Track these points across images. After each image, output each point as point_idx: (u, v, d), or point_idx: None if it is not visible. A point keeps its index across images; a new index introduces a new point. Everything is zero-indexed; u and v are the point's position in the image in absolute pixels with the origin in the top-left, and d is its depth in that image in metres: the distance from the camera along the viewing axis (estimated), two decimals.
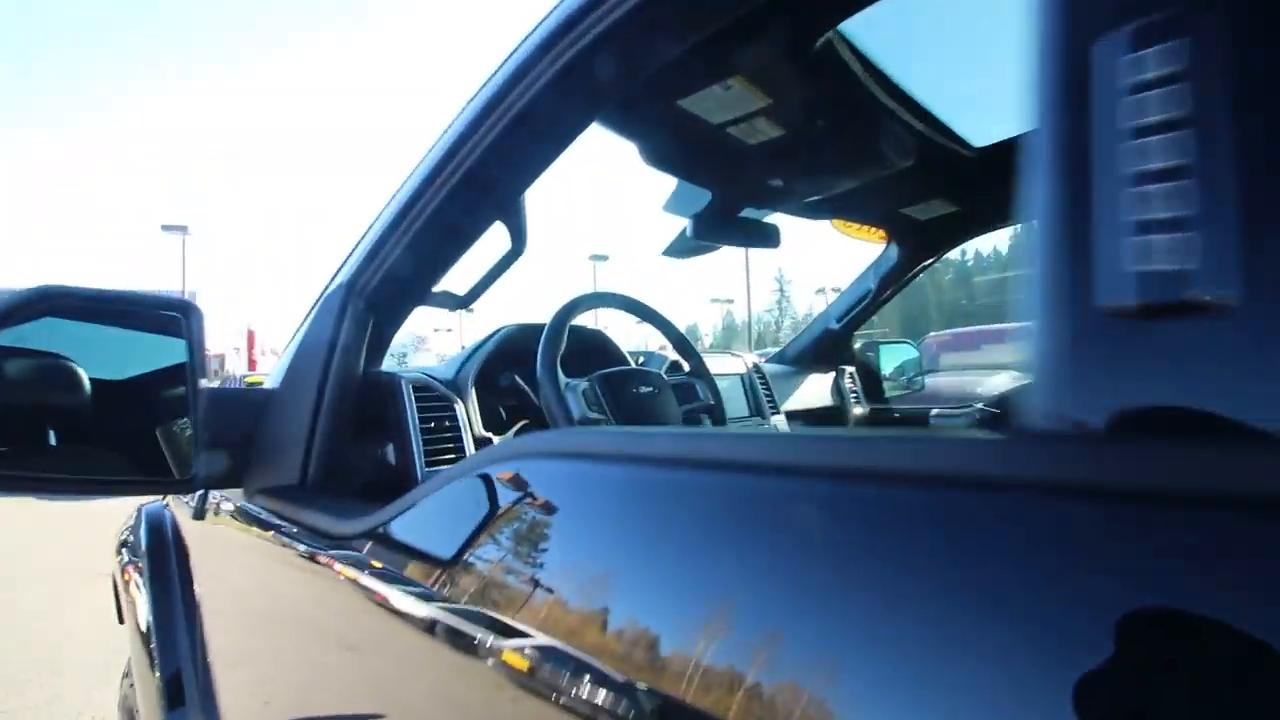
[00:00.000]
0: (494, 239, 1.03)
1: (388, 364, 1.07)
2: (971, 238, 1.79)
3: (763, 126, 1.13)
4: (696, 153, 1.24)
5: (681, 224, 1.60)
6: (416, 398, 1.03)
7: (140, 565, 1.14)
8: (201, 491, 1.02)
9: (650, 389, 1.12)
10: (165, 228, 24.63)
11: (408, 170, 0.93)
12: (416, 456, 0.98)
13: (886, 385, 2.29)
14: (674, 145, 1.20)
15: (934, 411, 2.10)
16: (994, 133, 1.44)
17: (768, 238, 1.56)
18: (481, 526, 0.51)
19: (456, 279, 1.08)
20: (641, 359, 1.48)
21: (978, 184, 1.55)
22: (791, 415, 1.83)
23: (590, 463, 0.48)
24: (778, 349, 2.32)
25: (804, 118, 1.12)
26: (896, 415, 2.17)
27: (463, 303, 1.06)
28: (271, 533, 0.84)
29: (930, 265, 1.97)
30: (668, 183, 1.38)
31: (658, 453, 0.45)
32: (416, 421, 1.00)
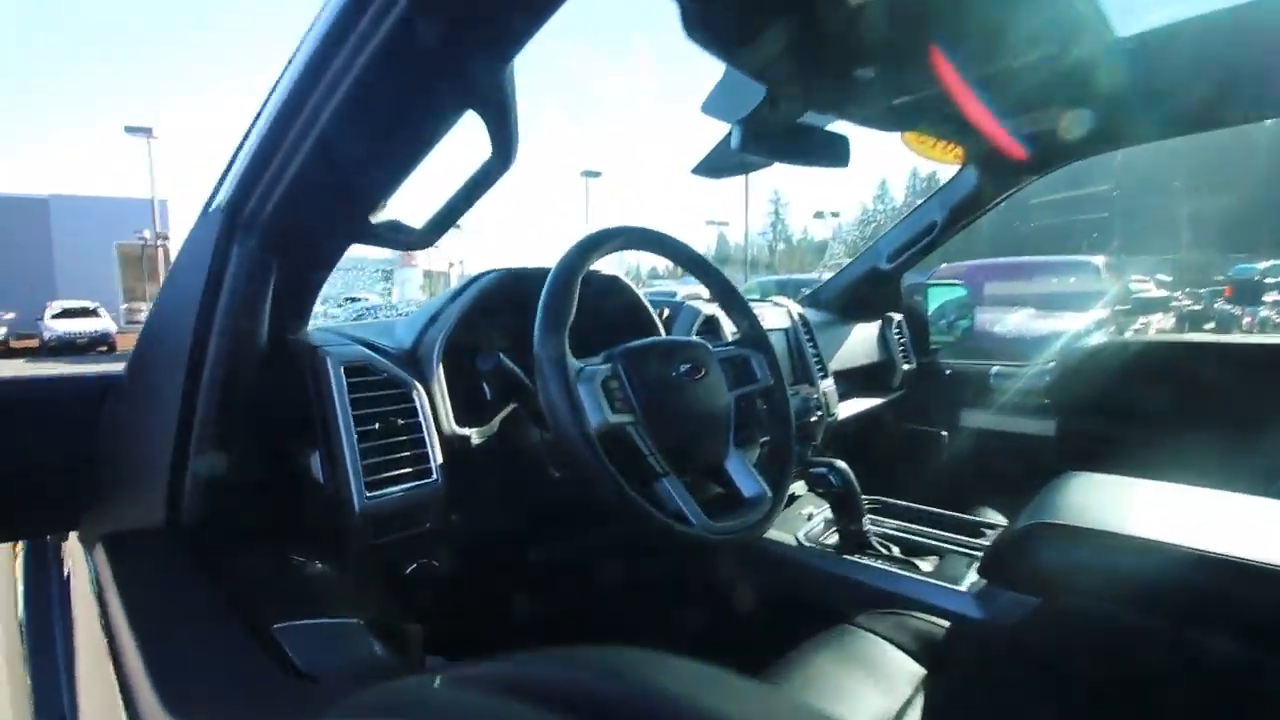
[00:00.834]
0: (463, 146, 0.67)
1: (327, 320, 0.73)
2: (1081, 158, 1.41)
3: None
4: (762, 20, 0.85)
5: (709, 137, 1.23)
6: (354, 384, 0.70)
7: None
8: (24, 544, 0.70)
9: (693, 366, 0.79)
10: (129, 129, 22.93)
11: (312, 23, 0.57)
12: (351, 476, 0.66)
13: (935, 335, 1.97)
14: (733, 6, 0.81)
15: (994, 370, 1.80)
16: (1149, 17, 1.06)
17: (835, 152, 1.18)
18: None
19: (412, 204, 0.73)
20: (665, 313, 1.14)
21: (1115, 86, 1.17)
22: (840, 377, 1.51)
23: None
24: (772, 273, 1.96)
25: None
26: (949, 373, 1.86)
27: (420, 239, 0.70)
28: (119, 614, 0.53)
29: (1012, 195, 1.60)
30: (696, 80, 0.99)
31: None
32: (351, 421, 0.67)
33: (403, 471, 0.70)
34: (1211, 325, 7.89)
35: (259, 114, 0.62)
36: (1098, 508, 0.82)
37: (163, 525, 0.57)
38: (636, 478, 0.69)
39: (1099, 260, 6.46)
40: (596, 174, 33.09)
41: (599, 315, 1.07)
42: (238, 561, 0.55)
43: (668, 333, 1.10)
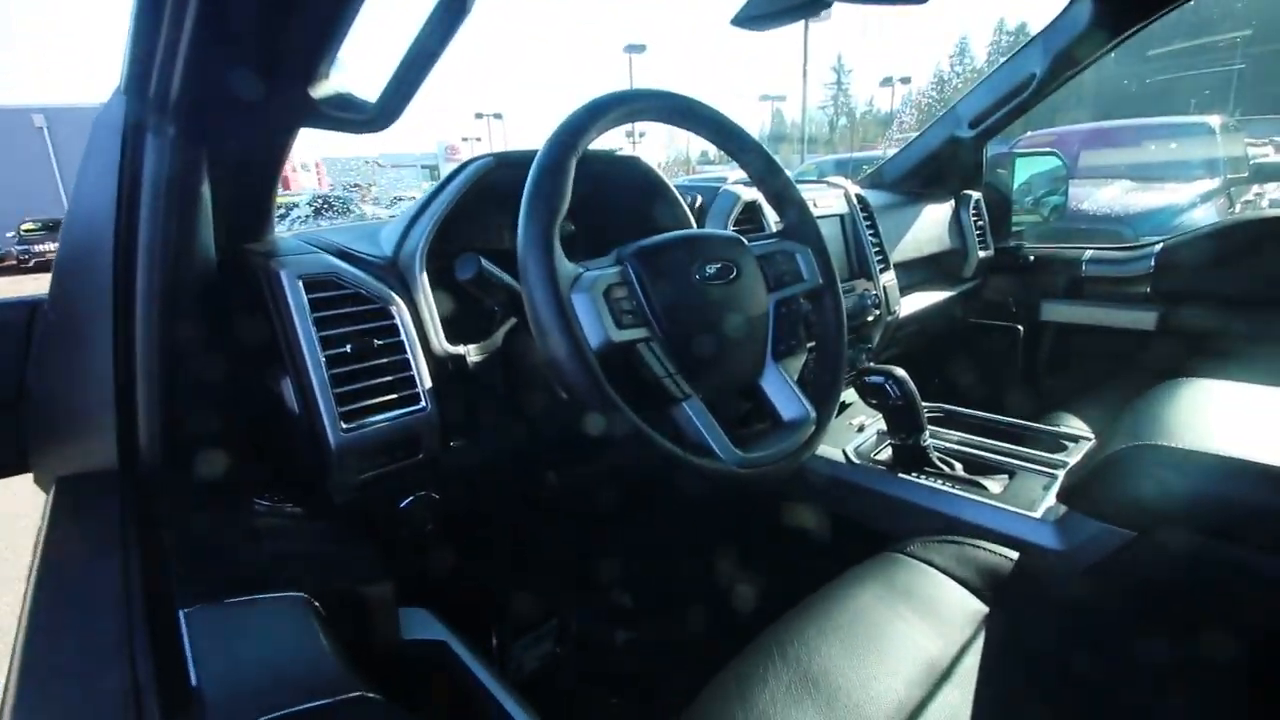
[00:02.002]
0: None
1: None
2: None
3: None
4: None
5: None
6: (318, 300, 0.59)
7: None
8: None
9: (723, 266, 0.65)
10: None
11: None
12: (322, 407, 0.57)
13: (1020, 213, 1.71)
14: None
15: (1087, 256, 1.55)
16: None
17: None
18: None
19: (364, 73, 0.58)
20: (698, 200, 0.97)
21: None
22: (902, 268, 1.32)
23: None
24: (832, 151, 1.70)
25: None
26: (1032, 259, 1.63)
27: (378, 116, 0.57)
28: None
29: (1127, 39, 1.28)
30: None
31: None
32: (316, 344, 0.58)
33: (386, 399, 0.61)
34: None
35: None
36: (1208, 423, 0.67)
37: (115, 468, 0.51)
38: (651, 404, 0.58)
39: (1215, 121, 5.55)
40: (641, 48, 30.70)
41: (614, 207, 0.92)
42: (188, 514, 0.48)
43: (699, 224, 0.95)
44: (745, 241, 0.71)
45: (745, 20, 1.07)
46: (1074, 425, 1.08)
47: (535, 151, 0.68)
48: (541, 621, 1.00)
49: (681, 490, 1.01)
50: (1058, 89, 1.37)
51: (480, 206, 0.75)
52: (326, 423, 0.57)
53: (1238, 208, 5.08)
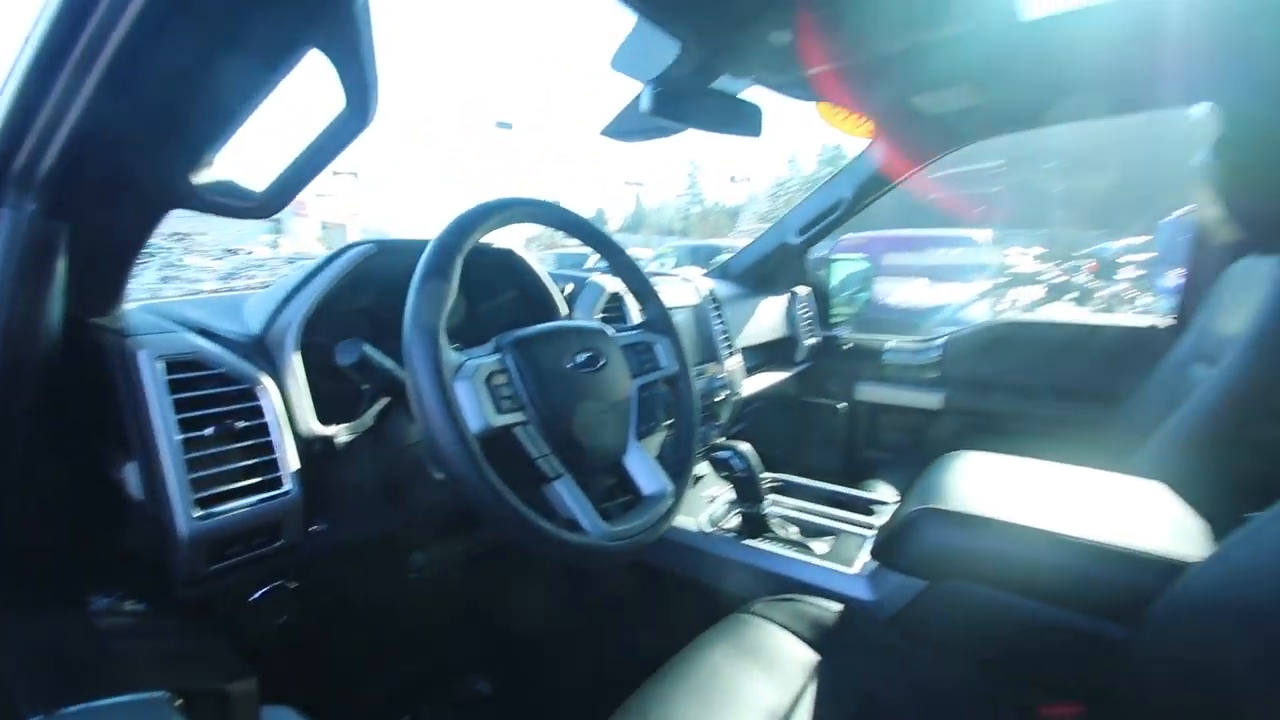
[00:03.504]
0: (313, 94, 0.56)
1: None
2: (984, 138, 1.44)
3: None
4: None
5: (623, 95, 1.14)
6: (180, 381, 0.58)
7: None
8: None
9: (592, 355, 0.73)
10: None
11: None
12: (174, 494, 0.54)
13: (836, 306, 2.01)
14: None
15: (888, 345, 1.86)
16: (1053, 3, 1.07)
17: (748, 121, 1.13)
18: None
19: (249, 162, 0.60)
20: (569, 288, 1.06)
21: (1017, 69, 1.18)
22: (747, 352, 1.50)
23: None
24: (686, 238, 1.94)
25: None
26: (848, 346, 1.91)
27: (260, 206, 0.59)
28: None
29: (916, 173, 1.62)
30: (607, 28, 0.90)
31: None
32: (174, 427, 0.56)
33: (247, 484, 0.60)
34: (1074, 296, 8.74)
35: (33, 29, 0.48)
36: (978, 490, 0.84)
37: None
38: (525, 483, 0.62)
39: (984, 234, 6.93)
40: (508, 125, 31.62)
41: (494, 295, 0.97)
42: (19, 614, 0.44)
43: (570, 310, 1.03)
44: (611, 332, 0.80)
45: (615, 132, 1.22)
46: (882, 491, 1.28)
47: (416, 241, 0.72)
48: (402, 713, 0.94)
49: (545, 566, 1.04)
50: (863, 209, 1.69)
51: (354, 290, 0.77)
52: (177, 510, 0.54)
53: (1002, 306, 6.31)
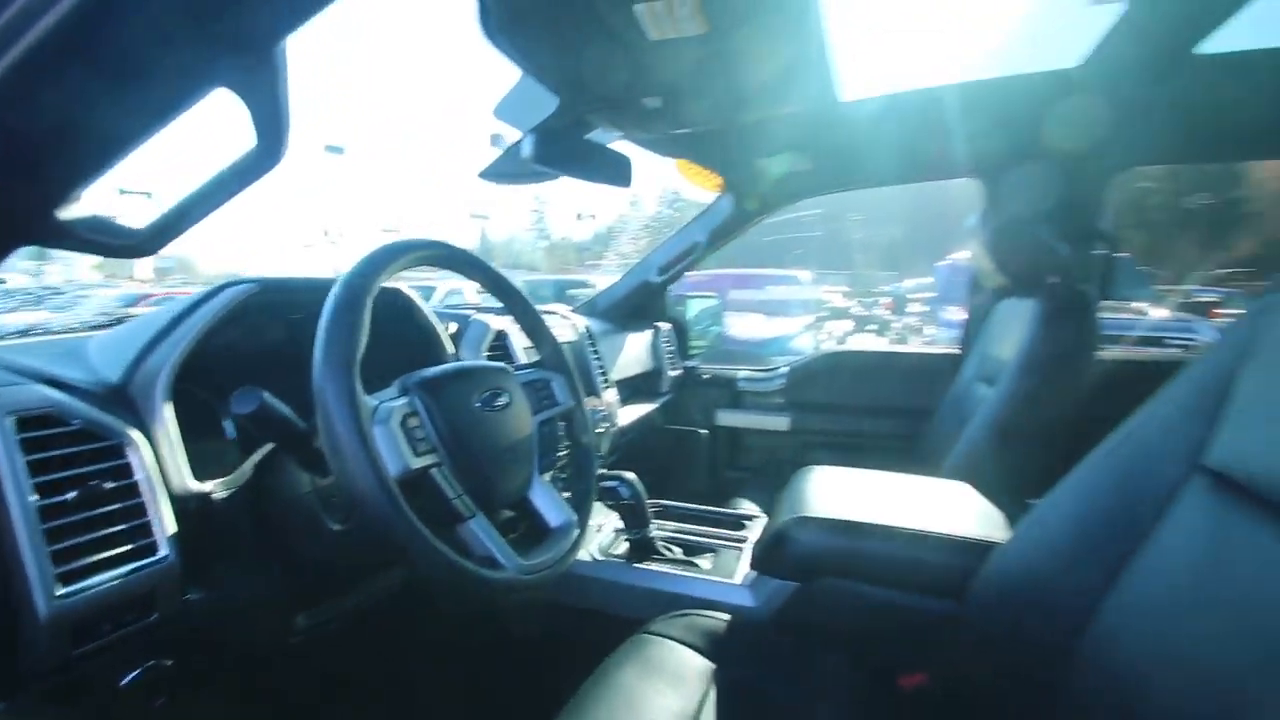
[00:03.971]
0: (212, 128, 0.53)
1: None
2: (812, 195, 1.68)
3: (673, 18, 0.78)
4: (566, 37, 0.84)
5: (476, 129, 1.18)
6: (33, 440, 0.50)
7: None
8: None
9: (496, 393, 0.74)
10: None
11: None
12: (30, 570, 0.47)
13: (693, 339, 2.18)
14: (539, 19, 0.78)
15: (741, 375, 2.05)
16: (866, 88, 1.31)
17: (619, 172, 1.23)
18: None
19: (135, 196, 0.55)
20: (453, 327, 1.05)
21: (835, 141, 1.42)
22: (620, 385, 1.57)
23: None
24: (536, 272, 2.02)
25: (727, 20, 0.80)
26: (706, 377, 2.07)
27: (139, 244, 0.54)
28: None
29: (758, 222, 1.83)
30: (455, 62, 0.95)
31: None
32: (27, 493, 0.48)
33: (116, 552, 0.53)
34: (874, 328, 10.20)
35: None
36: (833, 498, 0.98)
37: None
38: (439, 523, 0.62)
39: (805, 274, 7.90)
40: (340, 149, 29.56)
41: (381, 336, 0.94)
42: None
43: (456, 350, 1.02)
44: (512, 371, 0.82)
45: (492, 175, 1.25)
46: (747, 506, 1.40)
47: (300, 280, 0.70)
48: None
49: (438, 615, 1.00)
50: (716, 251, 1.87)
51: (231, 334, 0.71)
52: (35, 587, 0.47)
53: (822, 336, 7.19)
